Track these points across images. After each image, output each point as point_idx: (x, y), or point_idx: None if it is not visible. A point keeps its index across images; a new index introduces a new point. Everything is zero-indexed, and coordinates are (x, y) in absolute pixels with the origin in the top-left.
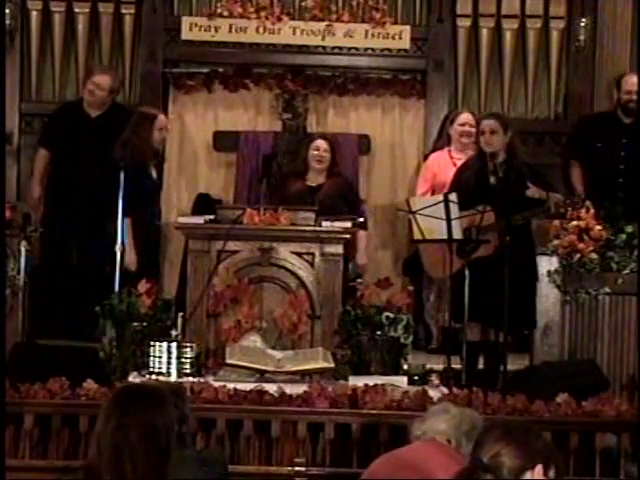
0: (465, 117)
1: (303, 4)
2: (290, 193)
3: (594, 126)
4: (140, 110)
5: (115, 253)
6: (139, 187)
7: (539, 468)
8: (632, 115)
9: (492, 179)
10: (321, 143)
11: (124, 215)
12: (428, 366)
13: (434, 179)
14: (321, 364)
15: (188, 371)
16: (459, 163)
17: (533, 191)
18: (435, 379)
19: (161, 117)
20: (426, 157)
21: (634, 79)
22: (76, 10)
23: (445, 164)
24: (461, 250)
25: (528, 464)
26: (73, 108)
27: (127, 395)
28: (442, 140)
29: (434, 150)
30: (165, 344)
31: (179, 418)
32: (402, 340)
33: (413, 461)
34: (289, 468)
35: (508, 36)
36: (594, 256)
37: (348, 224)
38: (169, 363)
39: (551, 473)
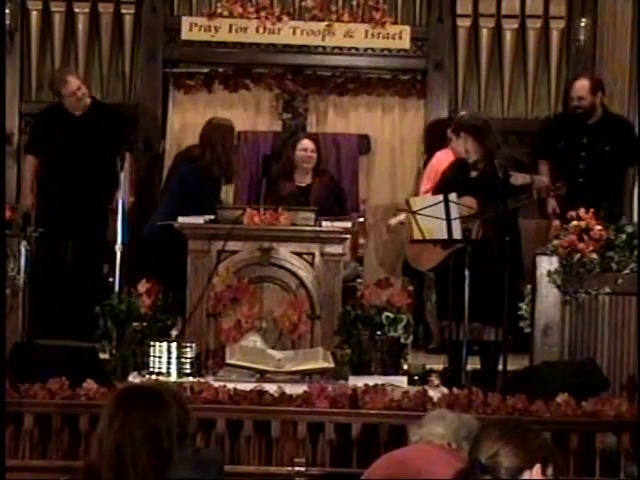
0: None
1: (303, 4)
2: (284, 194)
3: (559, 126)
4: (220, 123)
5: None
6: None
7: (537, 467)
8: (584, 119)
9: (473, 173)
10: (308, 144)
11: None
12: (428, 366)
13: (437, 177)
14: (321, 364)
15: (188, 371)
16: None
17: (516, 177)
18: (435, 379)
19: (235, 125)
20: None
21: (581, 83)
22: (76, 10)
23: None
24: (446, 241)
25: (526, 464)
26: (55, 110)
27: (130, 396)
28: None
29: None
30: (165, 344)
31: (179, 420)
32: (402, 340)
33: (413, 461)
34: (289, 468)
35: (508, 36)
36: (594, 256)
37: (348, 224)
38: (169, 363)
39: (549, 471)
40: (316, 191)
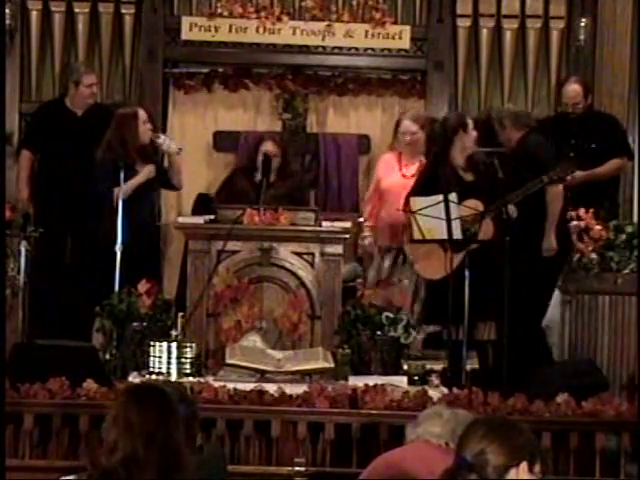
0: (405, 126)
1: (303, 4)
2: (237, 190)
3: (546, 130)
4: (119, 112)
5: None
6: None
7: (524, 465)
8: (576, 121)
9: (469, 177)
10: (270, 147)
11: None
12: (428, 366)
13: (379, 184)
14: (321, 364)
15: (188, 371)
16: (406, 169)
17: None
18: (435, 379)
19: (141, 111)
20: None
21: (574, 88)
22: (76, 10)
23: (390, 169)
24: (455, 245)
25: (513, 461)
26: (55, 107)
27: (136, 393)
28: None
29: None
30: (165, 344)
31: (187, 422)
32: (402, 340)
33: (411, 461)
34: (289, 468)
35: (508, 36)
36: (594, 256)
37: (348, 224)
38: (169, 363)
39: (537, 469)
40: (272, 192)
